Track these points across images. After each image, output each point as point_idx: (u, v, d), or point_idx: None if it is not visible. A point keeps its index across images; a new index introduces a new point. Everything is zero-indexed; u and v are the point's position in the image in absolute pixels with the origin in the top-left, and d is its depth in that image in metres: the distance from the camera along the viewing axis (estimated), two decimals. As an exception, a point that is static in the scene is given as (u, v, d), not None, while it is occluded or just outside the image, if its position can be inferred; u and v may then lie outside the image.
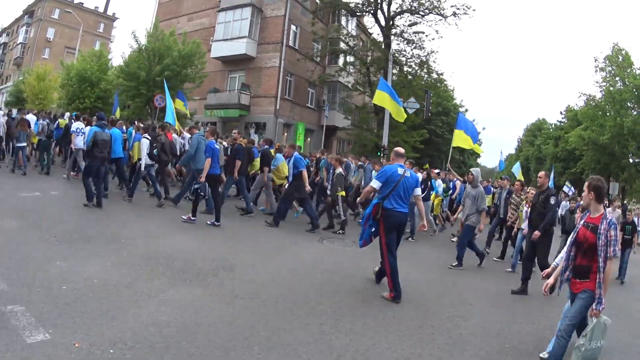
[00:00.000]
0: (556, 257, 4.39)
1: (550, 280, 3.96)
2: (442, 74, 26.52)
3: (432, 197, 11.23)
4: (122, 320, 3.62)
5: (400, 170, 5.36)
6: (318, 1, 25.58)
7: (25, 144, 11.12)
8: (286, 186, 9.70)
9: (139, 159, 9.58)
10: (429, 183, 10.72)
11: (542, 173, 7.03)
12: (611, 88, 28.69)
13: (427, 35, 24.79)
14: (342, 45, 25.89)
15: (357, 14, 26.47)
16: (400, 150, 5.70)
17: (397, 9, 24.65)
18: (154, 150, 9.57)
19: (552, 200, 6.60)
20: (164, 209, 9.03)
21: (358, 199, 7.64)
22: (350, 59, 26.69)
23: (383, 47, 25.06)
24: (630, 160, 30.23)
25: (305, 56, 25.16)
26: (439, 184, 12.01)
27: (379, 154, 19.29)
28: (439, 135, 33.79)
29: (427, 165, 15.69)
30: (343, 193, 9.50)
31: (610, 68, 29.11)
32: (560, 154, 40.07)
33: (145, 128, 11.13)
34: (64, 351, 3.00)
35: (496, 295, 6.36)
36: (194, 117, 21.92)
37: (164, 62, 20.21)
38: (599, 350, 3.60)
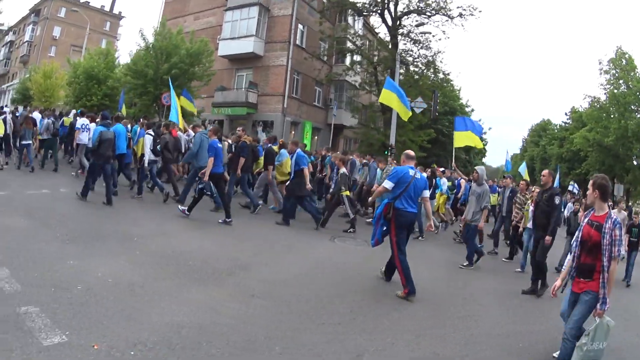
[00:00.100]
0: (562, 259, 4.38)
1: (558, 282, 3.94)
2: (448, 74, 26.55)
3: (437, 195, 11.30)
4: (139, 320, 3.56)
5: (411, 172, 5.54)
6: (325, 0, 25.53)
7: (30, 142, 11.13)
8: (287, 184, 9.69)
9: (143, 155, 9.65)
10: (434, 181, 10.77)
11: (545, 172, 6.99)
12: (615, 91, 28.79)
13: (433, 36, 24.68)
14: (349, 44, 25.82)
15: (364, 13, 26.41)
16: (411, 152, 5.92)
17: (404, 9, 24.63)
18: (157, 146, 9.59)
19: (557, 200, 6.53)
20: (167, 204, 9.08)
21: (370, 199, 7.59)
22: (357, 58, 26.61)
23: (390, 47, 25.01)
24: (635, 163, 30.32)
25: (312, 55, 25.14)
26: (444, 182, 12.08)
27: (386, 152, 19.21)
28: (445, 135, 33.63)
29: (435, 165, 15.59)
30: (347, 193, 9.50)
31: (614, 71, 29.18)
32: (565, 155, 39.98)
33: (149, 124, 11.20)
34: (83, 353, 2.93)
35: (507, 295, 6.36)
36: (201, 115, 21.88)
37: (171, 60, 20.20)
38: (601, 352, 3.51)
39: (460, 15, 23.44)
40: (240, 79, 27.14)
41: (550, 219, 6.43)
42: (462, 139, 13.04)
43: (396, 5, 24.64)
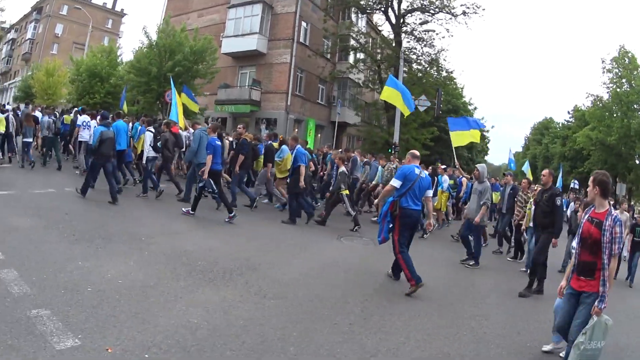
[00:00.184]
0: (565, 259, 4.33)
1: (563, 283, 3.90)
2: (452, 72, 26.41)
3: (438, 192, 11.32)
4: (152, 322, 3.51)
5: (417, 171, 5.65)
6: (328, -2, 25.42)
7: (31, 140, 11.17)
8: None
9: (143, 151, 9.74)
10: (435, 179, 10.83)
11: (545, 171, 6.94)
12: (618, 90, 28.70)
13: (437, 34, 24.66)
14: (353, 42, 25.73)
15: (368, 11, 26.35)
16: (416, 152, 6.08)
17: (407, 7, 24.55)
18: (157, 143, 9.62)
19: (558, 201, 6.48)
20: (173, 203, 9.07)
21: (376, 200, 7.55)
22: (360, 56, 26.53)
23: (394, 44, 24.93)
24: (637, 162, 30.24)
25: (315, 53, 25.07)
26: (445, 179, 12.11)
27: (390, 150, 19.15)
28: (448, 133, 33.42)
29: (439, 163, 15.51)
30: (347, 192, 9.50)
31: (617, 70, 29.09)
32: (567, 154, 39.86)
33: (149, 121, 11.26)
34: (97, 357, 2.89)
35: (513, 294, 6.35)
36: (204, 113, 21.82)
37: (175, 57, 20.15)
38: (598, 352, 3.42)
39: (464, 13, 23.33)
40: (243, 77, 27.10)
41: (553, 220, 6.39)
42: (458, 138, 13.00)
43: (400, 3, 24.57)
